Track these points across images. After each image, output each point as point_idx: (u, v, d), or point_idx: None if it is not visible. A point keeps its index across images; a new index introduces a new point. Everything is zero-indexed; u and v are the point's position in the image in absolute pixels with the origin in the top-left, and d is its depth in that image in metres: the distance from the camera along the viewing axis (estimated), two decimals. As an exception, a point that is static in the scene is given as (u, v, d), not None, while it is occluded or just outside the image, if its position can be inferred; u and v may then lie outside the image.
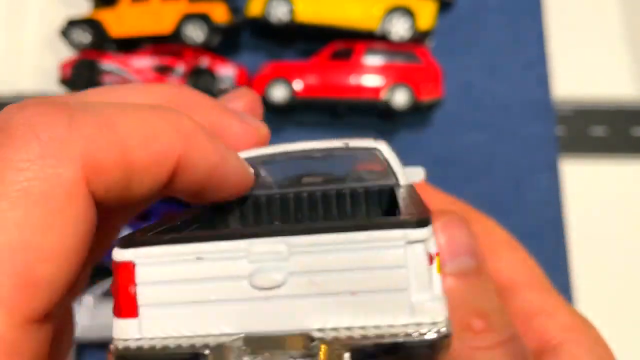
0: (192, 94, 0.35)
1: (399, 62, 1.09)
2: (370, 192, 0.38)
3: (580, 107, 1.17)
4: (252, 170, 0.36)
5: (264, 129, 0.38)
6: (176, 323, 0.24)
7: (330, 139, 0.39)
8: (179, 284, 0.24)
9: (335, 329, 0.22)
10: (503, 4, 1.18)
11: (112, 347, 0.25)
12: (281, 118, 1.12)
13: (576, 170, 1.12)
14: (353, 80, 1.08)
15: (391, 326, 0.22)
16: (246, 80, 1.12)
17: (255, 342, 0.23)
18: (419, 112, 1.10)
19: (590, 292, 1.03)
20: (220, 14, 1.10)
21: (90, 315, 0.98)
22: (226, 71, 1.09)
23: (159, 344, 0.23)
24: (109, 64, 1.10)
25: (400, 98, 1.07)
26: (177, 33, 1.10)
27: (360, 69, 1.08)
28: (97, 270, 1.07)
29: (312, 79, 1.08)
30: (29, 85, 1.17)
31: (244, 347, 0.23)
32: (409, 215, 0.24)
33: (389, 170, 0.37)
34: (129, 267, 0.25)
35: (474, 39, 1.17)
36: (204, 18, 1.09)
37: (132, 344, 0.24)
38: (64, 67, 1.10)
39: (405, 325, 0.22)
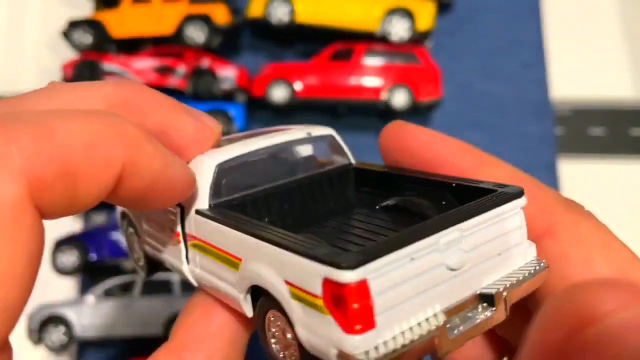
0: (144, 93, 0.33)
1: (399, 63, 1.10)
2: (343, 172, 0.44)
3: (579, 108, 1.18)
4: (194, 174, 0.35)
5: (219, 128, 0.38)
6: (402, 318, 0.27)
7: (287, 126, 0.44)
8: (400, 285, 0.27)
9: (494, 283, 0.31)
10: (501, 5, 1.19)
11: None
12: (281, 118, 1.12)
13: (575, 170, 1.13)
14: (353, 80, 1.09)
15: (520, 268, 0.32)
16: (247, 80, 1.13)
17: (451, 311, 0.29)
18: (418, 113, 1.11)
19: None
20: (220, 15, 1.11)
21: (90, 315, 0.98)
22: (227, 72, 1.10)
23: (400, 341, 0.26)
24: (110, 64, 1.11)
25: (399, 98, 1.07)
26: (178, 34, 1.11)
27: (360, 69, 1.09)
28: (97, 270, 1.08)
29: (313, 80, 1.09)
30: (31, 85, 1.18)
31: (449, 318, 0.28)
32: (513, 188, 0.33)
33: (343, 152, 0.44)
34: (364, 284, 0.25)
35: (472, 39, 1.18)
36: (204, 19, 1.10)
37: (377, 352, 0.25)
38: (65, 67, 1.11)
39: (527, 264, 0.32)
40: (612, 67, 1.21)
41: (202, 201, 0.36)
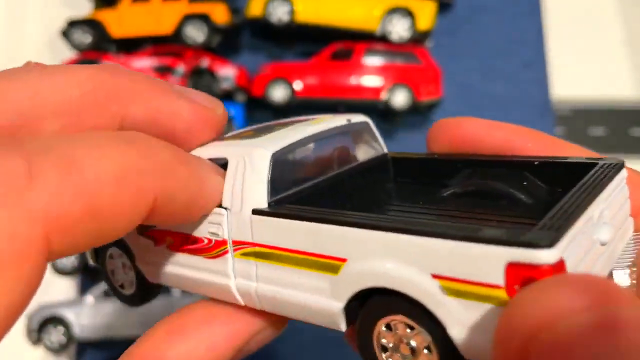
0: (124, 77, 0.29)
1: (399, 62, 1.09)
2: (384, 161, 0.41)
3: (579, 108, 1.18)
4: (222, 182, 0.31)
5: (220, 108, 0.32)
6: None
7: (326, 114, 0.41)
8: (580, 263, 0.24)
9: (621, 258, 0.29)
10: (502, 5, 1.18)
11: None
12: (281, 118, 1.12)
13: (575, 171, 1.12)
14: (353, 80, 1.08)
15: (629, 242, 0.30)
16: (246, 80, 1.13)
17: None
18: (418, 113, 1.10)
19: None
20: (220, 15, 1.10)
21: (90, 315, 0.98)
22: (226, 71, 1.09)
23: None
24: (109, 64, 1.10)
25: (399, 98, 1.07)
26: (178, 33, 1.10)
27: (360, 69, 1.09)
28: (97, 270, 1.08)
29: (312, 80, 1.09)
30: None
31: None
32: (611, 160, 0.31)
33: (377, 140, 0.41)
34: (562, 264, 0.22)
35: (473, 39, 1.17)
36: (204, 18, 1.09)
37: None
38: (64, 67, 1.11)
39: (633, 236, 0.31)
40: (613, 67, 1.21)
41: (259, 199, 0.30)
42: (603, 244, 0.27)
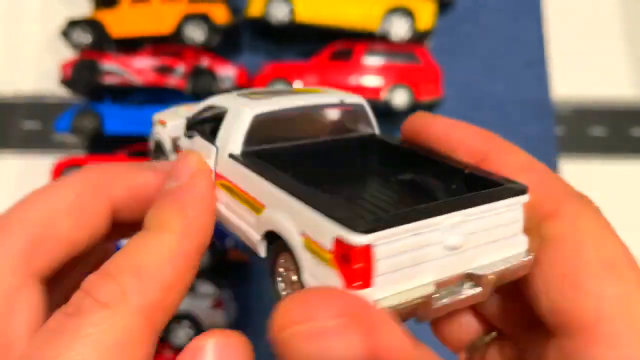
0: (103, 171, 0.39)
1: (399, 62, 1.09)
2: (367, 140, 0.46)
3: (580, 107, 1.18)
4: None
5: (180, 174, 0.38)
6: (396, 283, 0.30)
7: (321, 87, 0.45)
8: (401, 255, 0.30)
9: (483, 266, 0.33)
10: (502, 4, 1.18)
11: None
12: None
13: (575, 170, 1.12)
14: (353, 80, 1.08)
15: (510, 257, 0.34)
16: (246, 80, 1.12)
17: (440, 284, 0.31)
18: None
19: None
20: (220, 15, 1.10)
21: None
22: (226, 71, 1.09)
23: (390, 302, 0.29)
24: (109, 64, 1.10)
25: (399, 98, 1.07)
26: (178, 33, 1.10)
27: (360, 69, 1.08)
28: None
29: (312, 80, 1.09)
30: (29, 85, 1.17)
31: (437, 289, 0.31)
32: (519, 185, 0.35)
33: (370, 122, 0.47)
34: (369, 249, 0.28)
35: (473, 39, 1.17)
36: (204, 18, 1.09)
37: None
38: (64, 67, 1.11)
39: (517, 254, 0.34)
40: (614, 66, 1.21)
41: (236, 146, 0.40)
42: (449, 249, 0.32)
